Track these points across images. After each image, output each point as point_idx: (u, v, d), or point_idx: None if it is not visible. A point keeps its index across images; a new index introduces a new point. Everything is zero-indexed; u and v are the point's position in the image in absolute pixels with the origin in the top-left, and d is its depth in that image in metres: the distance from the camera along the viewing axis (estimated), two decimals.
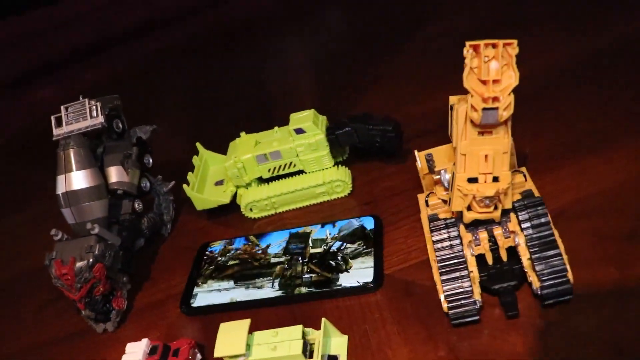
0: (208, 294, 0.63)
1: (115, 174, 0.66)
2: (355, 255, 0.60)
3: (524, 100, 0.74)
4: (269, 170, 0.70)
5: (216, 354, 0.51)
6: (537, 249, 0.50)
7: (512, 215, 0.52)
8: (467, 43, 0.47)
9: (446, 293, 0.50)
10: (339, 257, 0.61)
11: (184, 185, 0.70)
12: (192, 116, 1.02)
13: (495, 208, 0.52)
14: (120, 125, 0.69)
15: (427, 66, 0.90)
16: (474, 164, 0.50)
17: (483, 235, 0.53)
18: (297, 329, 0.52)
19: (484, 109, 0.47)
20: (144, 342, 0.55)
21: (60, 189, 0.63)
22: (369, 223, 0.64)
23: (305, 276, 0.60)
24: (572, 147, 0.65)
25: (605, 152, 0.63)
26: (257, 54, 1.15)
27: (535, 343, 0.48)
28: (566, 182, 0.61)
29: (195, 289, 0.64)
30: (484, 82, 0.47)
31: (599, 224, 0.56)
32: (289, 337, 0.51)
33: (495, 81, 0.47)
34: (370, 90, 0.89)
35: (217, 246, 0.68)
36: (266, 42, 1.17)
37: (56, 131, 0.65)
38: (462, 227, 0.53)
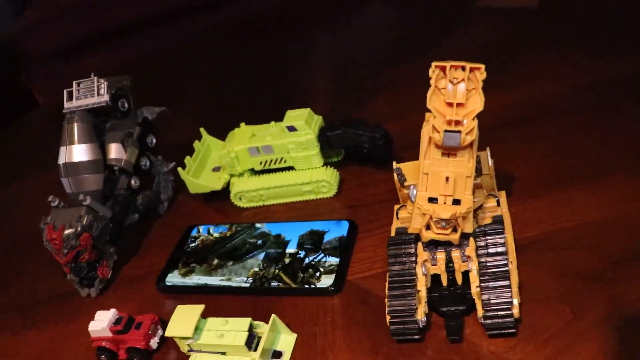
0: (183, 275, 0.66)
1: (114, 151, 0.70)
2: (330, 271, 0.61)
3: (521, 124, 0.73)
4: (261, 163, 0.72)
5: (167, 334, 0.55)
6: (487, 277, 0.50)
7: (472, 240, 0.52)
8: (433, 63, 0.47)
9: (390, 309, 0.50)
10: (313, 270, 0.62)
11: (179, 169, 0.73)
12: (214, 101, 1.05)
13: (455, 230, 0.51)
14: (126, 105, 0.72)
15: None
16: (435, 185, 0.50)
17: (441, 255, 0.53)
18: (246, 321, 0.54)
19: (446, 131, 0.47)
20: (112, 311, 0.59)
21: (61, 159, 0.67)
22: (343, 227, 0.65)
23: (273, 283, 0.62)
24: (561, 177, 0.63)
25: (593, 187, 0.61)
26: (291, 45, 1.16)
27: None
28: (547, 211, 0.60)
29: (173, 269, 0.67)
30: (449, 104, 0.47)
31: (568, 259, 0.54)
32: (237, 327, 0.54)
33: (460, 104, 0.47)
34: (384, 94, 0.89)
35: (202, 230, 0.71)
36: (299, 35, 1.19)
37: (66, 104, 0.70)
38: (420, 245, 0.53)
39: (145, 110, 0.76)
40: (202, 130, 0.80)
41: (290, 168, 0.72)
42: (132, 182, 0.72)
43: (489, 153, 0.57)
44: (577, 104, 0.73)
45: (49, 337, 0.66)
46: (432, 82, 0.47)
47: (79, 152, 0.67)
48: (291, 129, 0.69)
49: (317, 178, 0.70)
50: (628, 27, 0.84)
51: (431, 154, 0.50)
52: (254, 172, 0.74)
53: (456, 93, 0.47)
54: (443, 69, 0.46)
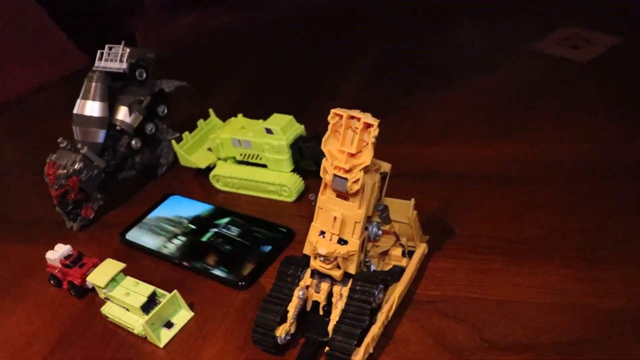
0: (141, 234, 0.75)
1: (121, 113, 0.80)
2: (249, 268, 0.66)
3: (498, 180, 0.72)
4: (241, 155, 0.79)
5: (87, 279, 0.64)
6: (344, 320, 0.52)
7: (351, 282, 0.54)
8: (332, 110, 0.49)
9: (256, 319, 0.55)
10: (235, 259, 0.68)
11: (173, 141, 0.82)
12: (256, 85, 1.12)
13: (339, 267, 0.54)
14: (144, 75, 0.81)
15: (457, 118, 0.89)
16: (325, 220, 0.53)
17: (325, 286, 0.56)
18: (149, 289, 0.61)
19: (335, 175, 0.50)
20: (67, 247, 0.69)
21: (75, 109, 0.78)
22: (281, 232, 0.69)
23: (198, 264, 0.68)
24: (497, 246, 0.62)
25: (518, 267, 0.59)
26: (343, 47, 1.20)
27: None
28: (463, 275, 0.60)
29: (136, 226, 0.76)
30: (342, 151, 0.50)
31: (449, 330, 0.55)
32: (141, 291, 0.61)
33: (352, 154, 0.49)
34: (397, 116, 0.91)
35: (180, 200, 0.80)
36: (352, 39, 1.21)
37: (96, 63, 0.80)
38: (310, 271, 0.56)
39: (164, 82, 0.85)
40: (210, 111, 0.87)
41: (264, 165, 0.78)
42: (133, 142, 0.82)
43: (413, 203, 0.58)
44: (561, 178, 0.71)
45: (28, 251, 0.78)
46: (329, 126, 0.50)
47: (90, 107, 0.77)
48: (268, 131, 0.75)
49: (280, 182, 0.74)
50: None
51: (327, 191, 0.53)
52: (236, 161, 0.80)
53: (349, 143, 0.49)
54: (341, 117, 0.49)
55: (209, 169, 0.82)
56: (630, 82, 0.86)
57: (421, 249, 0.61)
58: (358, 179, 0.49)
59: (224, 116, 0.87)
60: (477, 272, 0.60)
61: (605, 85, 0.86)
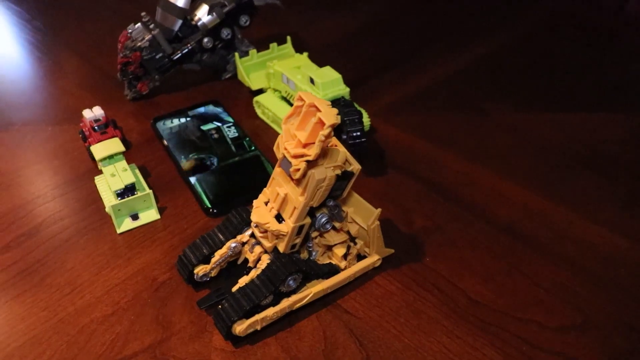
0: (168, 126, 0.79)
1: (200, 10, 0.82)
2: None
3: (511, 234, 0.65)
4: (285, 92, 0.78)
5: (91, 148, 0.70)
6: (245, 289, 0.53)
7: (271, 260, 0.54)
8: (299, 93, 0.47)
9: (184, 250, 0.58)
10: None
11: (236, 53, 0.83)
12: (356, 35, 1.07)
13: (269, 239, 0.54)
14: None
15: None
16: (272, 191, 0.53)
17: (257, 250, 0.56)
18: (131, 179, 0.66)
19: (284, 156, 0.49)
20: (101, 112, 0.75)
21: None
22: None
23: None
24: (462, 302, 0.57)
25: (465, 333, 0.55)
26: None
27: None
28: (398, 308, 0.57)
29: (169, 117, 0.81)
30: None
31: (346, 348, 0.53)
32: (124, 178, 0.66)
33: (303, 144, 0.47)
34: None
35: (220, 110, 0.82)
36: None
37: None
38: (252, 229, 0.57)
39: None
40: (288, 38, 0.87)
41: None
42: (205, 40, 0.84)
43: (377, 214, 0.55)
44: (566, 263, 0.61)
45: (88, 97, 0.87)
46: (293, 107, 0.47)
47: None
48: (312, 80, 0.73)
49: None
50: None
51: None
52: (281, 96, 0.80)
53: (304, 129, 0.47)
54: (304, 102, 0.46)
55: (260, 92, 0.83)
56: None
57: (370, 260, 0.58)
58: (299, 168, 0.48)
59: (301, 50, 0.86)
60: (411, 309, 0.56)
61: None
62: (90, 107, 0.76)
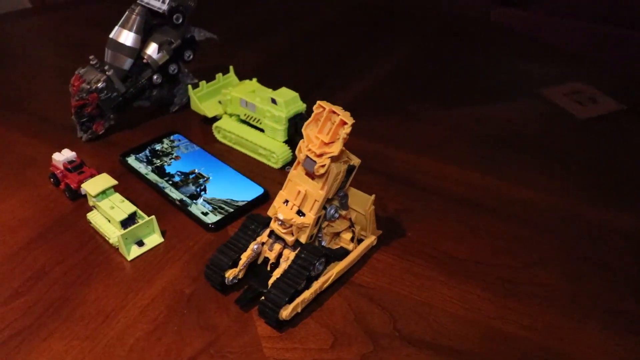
0: (138, 160, 0.83)
1: (150, 48, 0.88)
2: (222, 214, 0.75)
3: (469, 206, 0.79)
4: (244, 115, 0.86)
5: (82, 186, 0.72)
6: (284, 278, 0.60)
7: (299, 249, 0.62)
8: (319, 102, 0.56)
9: (211, 258, 0.63)
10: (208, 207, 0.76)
11: (189, 86, 0.90)
12: (287, 56, 1.19)
13: (292, 234, 0.62)
14: (180, 20, 0.88)
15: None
16: (291, 191, 0.61)
17: (277, 247, 0.64)
18: (132, 208, 0.70)
19: (307, 156, 0.58)
20: (73, 154, 0.78)
21: (112, 34, 0.85)
22: (256, 191, 0.78)
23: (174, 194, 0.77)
24: (449, 260, 0.70)
25: (457, 280, 0.67)
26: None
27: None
28: (398, 273, 0.68)
29: (136, 152, 0.84)
30: (319, 138, 0.57)
31: (368, 314, 0.62)
32: (125, 209, 0.70)
33: (326, 143, 0.57)
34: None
35: (181, 139, 0.88)
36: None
37: None
38: (268, 230, 0.64)
39: (197, 30, 0.92)
40: (231, 68, 0.95)
41: (263, 130, 0.85)
42: (155, 77, 0.89)
43: (372, 199, 0.66)
44: (514, 219, 0.77)
45: (35, 145, 0.88)
46: (313, 114, 0.57)
47: (124, 35, 0.85)
48: (273, 101, 0.82)
49: (271, 148, 0.82)
50: None
51: (299, 167, 0.61)
52: (239, 119, 0.88)
53: (325, 132, 0.57)
54: (324, 109, 0.56)
55: (214, 119, 0.90)
56: (614, 149, 0.91)
57: (370, 240, 0.69)
58: (325, 165, 0.57)
59: (241, 76, 0.95)
60: (411, 273, 0.68)
61: (590, 146, 0.92)
62: (47, 153, 0.78)
